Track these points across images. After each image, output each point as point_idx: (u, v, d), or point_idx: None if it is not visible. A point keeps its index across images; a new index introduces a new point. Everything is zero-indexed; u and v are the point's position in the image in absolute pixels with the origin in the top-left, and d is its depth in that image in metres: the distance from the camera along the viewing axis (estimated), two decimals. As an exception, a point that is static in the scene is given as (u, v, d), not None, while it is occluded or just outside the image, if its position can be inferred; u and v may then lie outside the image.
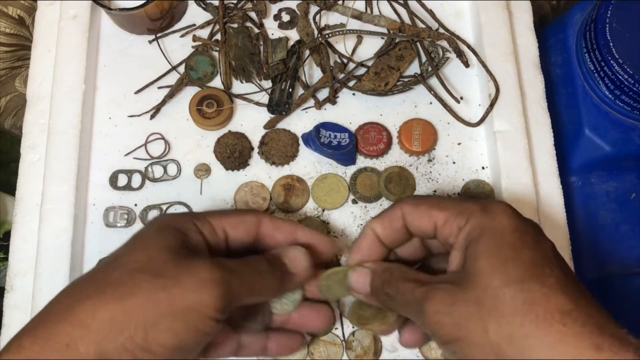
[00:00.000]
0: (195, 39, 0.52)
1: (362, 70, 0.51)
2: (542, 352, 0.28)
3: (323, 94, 0.51)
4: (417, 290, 0.33)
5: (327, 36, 0.49)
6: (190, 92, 0.51)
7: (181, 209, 0.48)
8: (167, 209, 0.48)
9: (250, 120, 0.51)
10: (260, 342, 0.39)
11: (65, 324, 0.30)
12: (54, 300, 0.33)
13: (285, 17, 0.53)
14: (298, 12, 0.53)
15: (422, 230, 0.36)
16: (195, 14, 0.54)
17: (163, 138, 0.50)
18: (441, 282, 0.33)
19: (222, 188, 0.49)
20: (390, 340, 0.46)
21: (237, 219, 0.37)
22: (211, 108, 0.49)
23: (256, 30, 0.53)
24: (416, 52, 0.52)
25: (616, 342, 0.28)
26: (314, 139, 0.47)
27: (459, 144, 0.51)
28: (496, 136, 0.48)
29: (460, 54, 0.50)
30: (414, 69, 0.52)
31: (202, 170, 0.49)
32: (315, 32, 0.52)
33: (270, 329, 0.40)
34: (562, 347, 0.28)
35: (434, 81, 0.51)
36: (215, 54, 0.52)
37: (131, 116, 0.51)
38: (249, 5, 0.53)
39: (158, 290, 0.31)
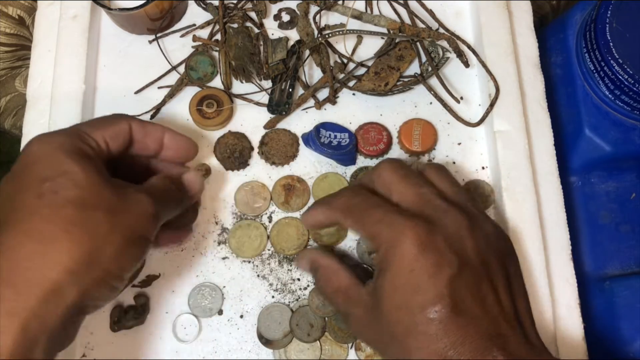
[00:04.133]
0: (195, 39, 0.52)
1: (362, 70, 0.51)
2: None
3: (323, 94, 0.51)
4: (341, 308, 0.40)
5: (327, 36, 0.49)
6: (190, 92, 0.51)
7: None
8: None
9: (250, 120, 0.51)
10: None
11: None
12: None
13: (285, 17, 0.53)
14: (298, 12, 0.53)
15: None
16: (195, 14, 0.54)
17: (163, 138, 0.50)
18: (357, 305, 0.37)
19: (222, 188, 0.49)
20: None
21: (113, 129, 0.38)
22: (211, 108, 0.49)
23: (256, 30, 0.53)
24: (416, 52, 0.52)
25: None
26: (314, 139, 0.47)
27: (459, 144, 0.51)
28: (496, 136, 0.48)
29: (460, 54, 0.50)
30: (414, 69, 0.52)
31: (202, 170, 0.49)
32: (315, 32, 0.52)
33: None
34: None
35: (434, 81, 0.51)
36: (215, 54, 0.52)
37: (131, 116, 0.51)
38: (249, 5, 0.53)
39: (115, 226, 0.34)
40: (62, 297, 0.32)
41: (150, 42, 0.53)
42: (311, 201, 0.48)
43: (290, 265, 0.47)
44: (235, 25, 0.52)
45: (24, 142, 0.50)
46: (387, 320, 0.34)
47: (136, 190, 0.36)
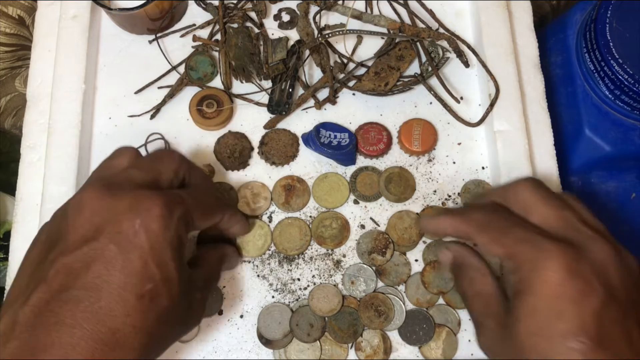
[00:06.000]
0: (195, 39, 0.52)
1: (362, 70, 0.51)
2: None
3: (323, 94, 0.51)
4: (474, 315, 0.38)
5: (327, 36, 0.49)
6: (190, 92, 0.51)
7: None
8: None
9: (250, 120, 0.51)
10: None
11: None
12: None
13: (285, 17, 0.53)
14: (298, 12, 0.53)
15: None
16: (195, 14, 0.54)
17: (163, 138, 0.50)
18: (493, 317, 0.36)
19: (222, 188, 0.49)
20: (390, 341, 0.46)
21: (213, 220, 0.40)
22: (211, 108, 0.49)
23: (256, 30, 0.53)
24: (416, 52, 0.52)
25: None
26: (314, 139, 0.47)
27: (459, 144, 0.51)
28: (496, 136, 0.48)
29: (460, 54, 0.50)
30: (414, 69, 0.52)
31: (206, 171, 0.49)
32: (315, 32, 0.52)
33: None
34: None
35: (434, 81, 0.51)
36: (215, 54, 0.52)
37: (131, 116, 0.51)
38: (249, 5, 0.53)
39: (175, 333, 0.37)
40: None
41: (150, 42, 0.53)
42: (311, 201, 0.48)
43: (291, 265, 0.47)
44: (235, 25, 0.52)
45: (24, 142, 0.50)
46: (521, 345, 0.32)
47: (200, 300, 0.38)
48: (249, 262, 0.47)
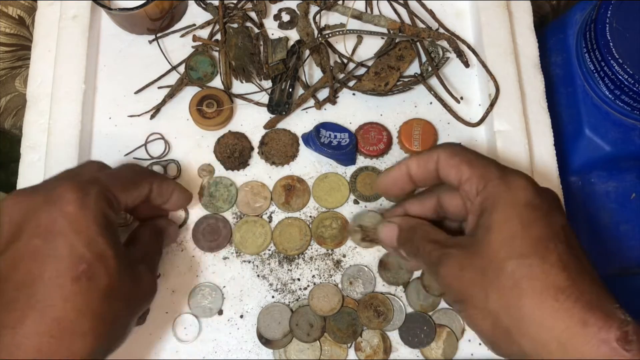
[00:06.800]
0: (195, 39, 0.52)
1: (362, 70, 0.51)
2: (534, 323, 0.31)
3: (323, 94, 0.51)
4: (434, 253, 0.36)
5: (327, 36, 0.49)
6: (190, 92, 0.51)
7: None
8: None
9: (250, 120, 0.51)
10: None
11: None
12: None
13: (285, 17, 0.53)
14: (298, 12, 0.53)
15: (449, 181, 0.38)
16: (195, 14, 0.54)
17: (163, 138, 0.50)
18: (454, 246, 0.35)
19: (222, 188, 0.49)
20: (390, 341, 0.46)
21: (138, 192, 0.39)
22: (211, 108, 0.49)
23: (256, 30, 0.53)
24: (416, 52, 0.52)
25: (602, 318, 0.29)
26: (314, 139, 0.47)
27: (459, 144, 0.51)
28: (496, 136, 0.48)
29: (460, 54, 0.50)
30: (414, 69, 0.52)
31: (206, 171, 0.49)
32: (315, 32, 0.52)
33: None
34: (552, 321, 0.30)
35: (434, 81, 0.51)
36: (215, 54, 0.52)
37: (131, 116, 0.51)
38: (249, 5, 0.53)
39: (130, 313, 0.37)
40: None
41: (150, 42, 0.53)
42: (311, 201, 0.48)
43: (291, 265, 0.47)
44: (235, 25, 0.52)
45: (24, 142, 0.50)
46: (494, 255, 0.32)
47: (145, 271, 0.38)
48: (249, 262, 0.47)
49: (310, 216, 0.48)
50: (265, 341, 0.45)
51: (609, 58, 0.50)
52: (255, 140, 0.50)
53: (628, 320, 0.30)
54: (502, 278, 0.32)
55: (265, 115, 0.50)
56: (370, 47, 0.52)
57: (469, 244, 0.34)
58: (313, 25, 0.53)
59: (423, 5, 0.53)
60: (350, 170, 0.49)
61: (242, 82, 0.51)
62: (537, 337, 0.30)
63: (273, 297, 0.46)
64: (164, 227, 0.45)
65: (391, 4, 0.54)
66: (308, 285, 0.46)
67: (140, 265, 0.38)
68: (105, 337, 0.33)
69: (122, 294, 0.35)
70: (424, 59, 0.52)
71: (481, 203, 0.35)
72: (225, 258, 0.47)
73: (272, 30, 0.53)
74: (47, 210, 0.33)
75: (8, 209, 0.34)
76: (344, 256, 0.47)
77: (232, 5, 0.53)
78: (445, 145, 0.39)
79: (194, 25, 0.53)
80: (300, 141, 0.50)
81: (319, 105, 0.51)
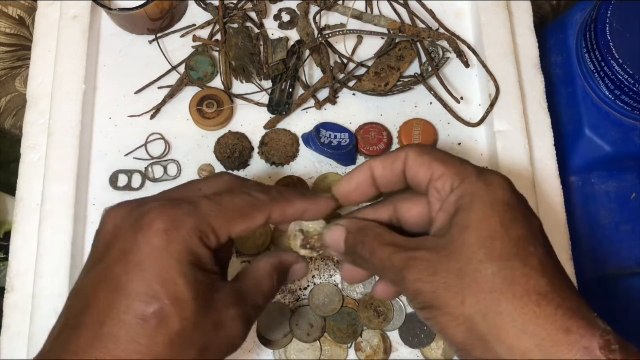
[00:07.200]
0: (195, 39, 0.52)
1: (362, 70, 0.51)
2: (514, 330, 0.29)
3: (323, 94, 0.51)
4: (396, 256, 0.32)
5: (327, 36, 0.49)
6: (190, 92, 0.51)
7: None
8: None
9: (250, 120, 0.51)
10: None
11: None
12: None
13: (285, 17, 0.53)
14: (298, 12, 0.53)
15: (417, 181, 0.34)
16: (195, 14, 0.54)
17: (163, 138, 0.50)
18: (420, 248, 0.32)
19: (222, 188, 0.49)
20: (390, 341, 0.46)
21: (247, 225, 0.33)
22: (211, 108, 0.49)
23: (256, 30, 0.53)
24: (416, 52, 0.52)
25: (584, 325, 0.28)
26: (314, 139, 0.47)
27: (459, 144, 0.51)
28: (496, 136, 0.48)
29: (460, 54, 0.50)
30: (414, 69, 0.52)
31: (206, 171, 0.49)
32: (315, 32, 0.52)
33: None
34: (533, 327, 0.28)
35: (434, 81, 0.51)
36: (215, 54, 0.52)
37: (131, 116, 0.51)
38: (249, 5, 0.53)
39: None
40: None
41: (150, 42, 0.53)
42: (311, 201, 0.48)
43: (290, 265, 0.47)
44: (235, 25, 0.52)
45: (24, 142, 0.50)
46: (471, 254, 0.30)
47: (233, 318, 0.33)
48: (249, 262, 0.47)
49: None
50: (265, 341, 0.45)
51: (609, 58, 0.50)
52: (255, 140, 0.50)
53: (608, 329, 0.28)
54: (481, 281, 0.29)
55: (265, 115, 0.50)
56: (370, 47, 0.52)
57: (440, 245, 0.31)
58: (313, 25, 0.53)
59: (423, 5, 0.53)
60: (350, 169, 0.49)
61: (242, 82, 0.51)
62: (516, 344, 0.29)
63: (273, 297, 0.46)
64: (290, 263, 0.37)
65: (391, 4, 0.54)
66: (308, 285, 0.46)
67: (229, 310, 0.32)
68: None
69: (195, 342, 0.31)
70: (424, 59, 0.52)
71: (456, 201, 0.32)
72: (225, 258, 0.47)
73: (272, 30, 0.53)
74: (133, 237, 0.30)
75: (107, 224, 0.32)
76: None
77: (232, 5, 0.53)
78: (412, 144, 0.36)
79: (194, 25, 0.53)
80: (300, 141, 0.50)
81: (319, 105, 0.51)
